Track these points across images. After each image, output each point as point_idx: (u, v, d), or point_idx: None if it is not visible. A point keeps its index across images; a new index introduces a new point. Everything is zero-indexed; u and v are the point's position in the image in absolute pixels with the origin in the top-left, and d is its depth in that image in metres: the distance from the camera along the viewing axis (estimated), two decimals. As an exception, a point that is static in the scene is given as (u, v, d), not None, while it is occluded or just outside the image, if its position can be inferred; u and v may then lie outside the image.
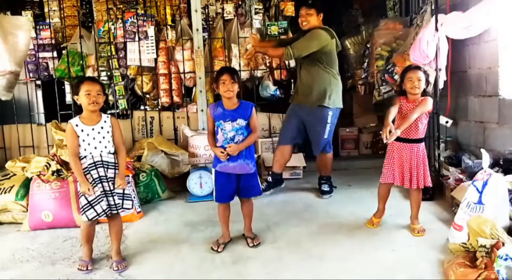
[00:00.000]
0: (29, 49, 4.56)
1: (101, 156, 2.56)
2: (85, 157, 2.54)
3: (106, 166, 2.57)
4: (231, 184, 2.81)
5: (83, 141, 2.54)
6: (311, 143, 3.87)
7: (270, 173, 3.98)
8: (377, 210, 3.11)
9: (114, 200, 2.57)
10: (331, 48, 3.71)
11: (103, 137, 2.58)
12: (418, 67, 2.97)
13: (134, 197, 3.47)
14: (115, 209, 2.59)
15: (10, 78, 4.23)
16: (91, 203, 2.52)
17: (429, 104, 2.88)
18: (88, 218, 2.54)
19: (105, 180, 2.55)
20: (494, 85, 3.50)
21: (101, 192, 2.54)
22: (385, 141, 2.75)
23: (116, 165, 2.61)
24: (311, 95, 3.72)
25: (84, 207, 2.54)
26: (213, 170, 2.90)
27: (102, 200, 2.54)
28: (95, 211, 2.53)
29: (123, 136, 2.71)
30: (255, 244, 2.85)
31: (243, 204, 2.91)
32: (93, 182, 2.53)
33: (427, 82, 2.92)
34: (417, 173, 2.89)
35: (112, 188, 2.57)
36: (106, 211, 2.55)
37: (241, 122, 2.75)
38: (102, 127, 2.57)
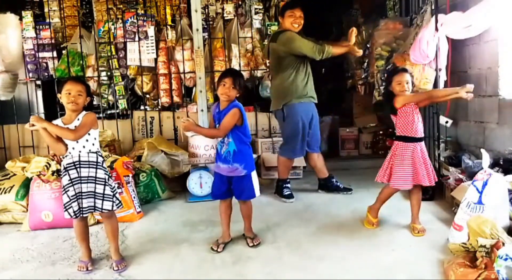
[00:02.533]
0: (29, 49, 4.59)
1: (79, 156, 2.51)
2: (66, 156, 2.54)
3: (84, 166, 2.51)
4: (223, 184, 2.84)
5: (63, 140, 2.51)
6: (312, 142, 3.85)
7: (288, 181, 3.90)
8: (373, 208, 3.09)
9: (89, 202, 2.51)
10: None
11: None
12: (405, 70, 3.01)
13: (134, 197, 3.48)
14: (87, 211, 2.53)
15: (5, 78, 4.19)
16: (72, 200, 2.50)
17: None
18: (70, 215, 2.53)
19: (78, 182, 2.50)
20: (494, 85, 3.50)
21: (73, 195, 2.49)
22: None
23: (98, 163, 2.55)
24: (314, 90, 3.83)
25: (65, 205, 2.52)
26: None
27: (75, 202, 2.50)
28: (73, 209, 2.51)
29: (85, 130, 2.50)
30: (255, 244, 2.85)
31: (240, 205, 2.92)
32: (69, 182, 2.50)
33: (413, 83, 2.97)
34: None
35: (87, 189, 2.51)
36: (76, 212, 2.51)
37: None
38: (75, 127, 2.50)
